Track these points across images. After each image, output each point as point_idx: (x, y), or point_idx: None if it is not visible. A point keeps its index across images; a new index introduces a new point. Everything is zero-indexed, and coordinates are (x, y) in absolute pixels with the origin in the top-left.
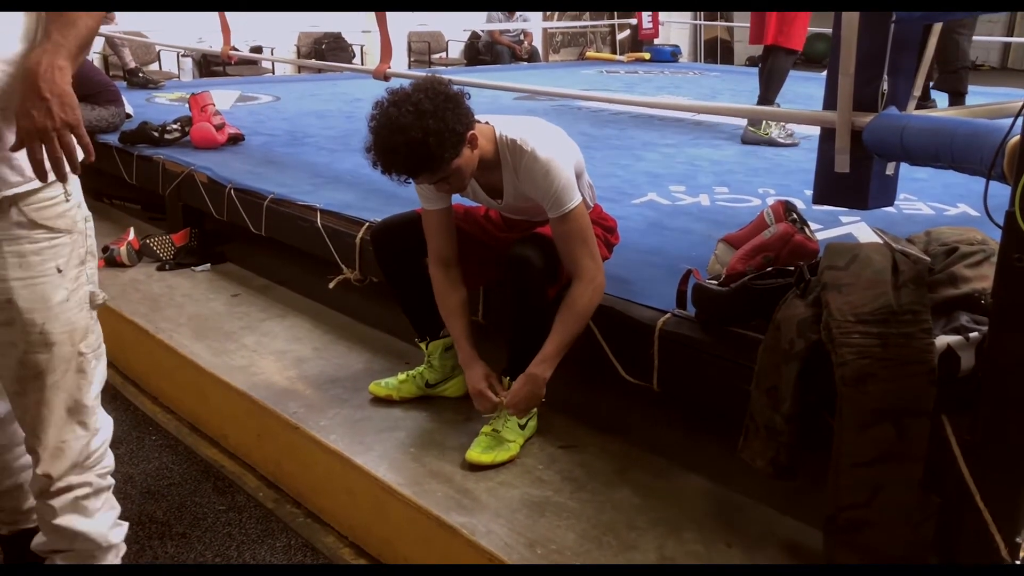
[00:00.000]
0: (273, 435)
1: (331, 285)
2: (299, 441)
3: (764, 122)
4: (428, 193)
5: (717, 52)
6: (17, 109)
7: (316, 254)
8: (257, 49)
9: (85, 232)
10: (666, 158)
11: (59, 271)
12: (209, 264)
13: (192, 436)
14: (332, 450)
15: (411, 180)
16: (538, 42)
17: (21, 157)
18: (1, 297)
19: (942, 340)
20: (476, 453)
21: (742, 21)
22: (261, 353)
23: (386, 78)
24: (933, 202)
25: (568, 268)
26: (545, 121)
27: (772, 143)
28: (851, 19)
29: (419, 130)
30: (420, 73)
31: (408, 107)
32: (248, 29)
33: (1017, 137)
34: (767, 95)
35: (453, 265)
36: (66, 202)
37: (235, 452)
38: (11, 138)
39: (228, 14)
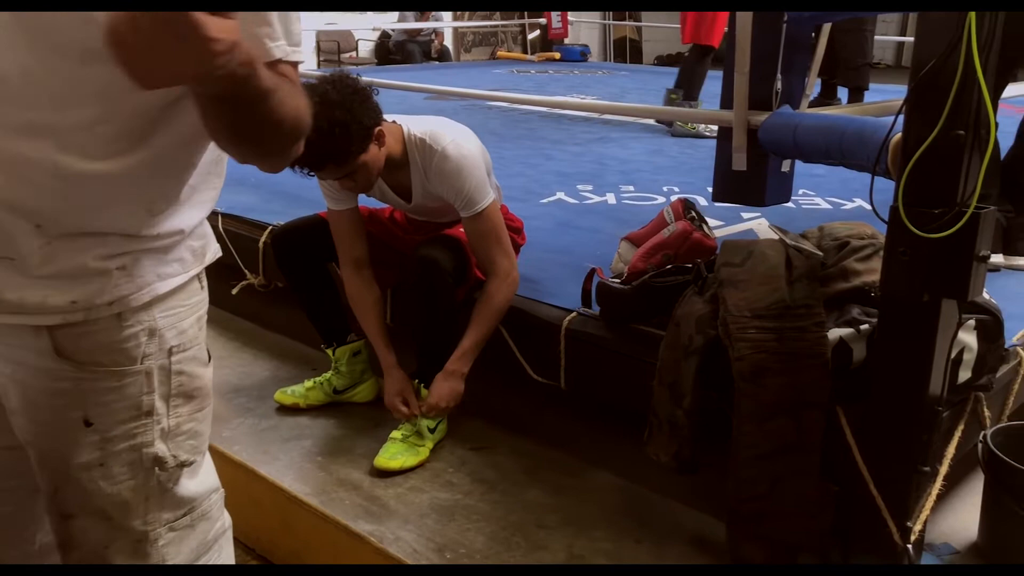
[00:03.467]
0: None
1: (234, 291)
2: None
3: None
4: (334, 193)
5: (626, 51)
6: None
7: (218, 259)
8: None
9: (156, 369)
10: (575, 157)
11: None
12: None
13: None
14: (236, 461)
15: (315, 174)
16: (449, 41)
17: None
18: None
19: (835, 333)
20: (384, 459)
21: (650, 21)
22: None
23: None
24: (831, 197)
25: (483, 266)
26: (453, 121)
27: (699, 136)
28: (745, 19)
29: (325, 120)
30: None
31: (315, 98)
32: None
33: (900, 134)
34: (688, 93)
35: (365, 266)
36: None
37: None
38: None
39: None
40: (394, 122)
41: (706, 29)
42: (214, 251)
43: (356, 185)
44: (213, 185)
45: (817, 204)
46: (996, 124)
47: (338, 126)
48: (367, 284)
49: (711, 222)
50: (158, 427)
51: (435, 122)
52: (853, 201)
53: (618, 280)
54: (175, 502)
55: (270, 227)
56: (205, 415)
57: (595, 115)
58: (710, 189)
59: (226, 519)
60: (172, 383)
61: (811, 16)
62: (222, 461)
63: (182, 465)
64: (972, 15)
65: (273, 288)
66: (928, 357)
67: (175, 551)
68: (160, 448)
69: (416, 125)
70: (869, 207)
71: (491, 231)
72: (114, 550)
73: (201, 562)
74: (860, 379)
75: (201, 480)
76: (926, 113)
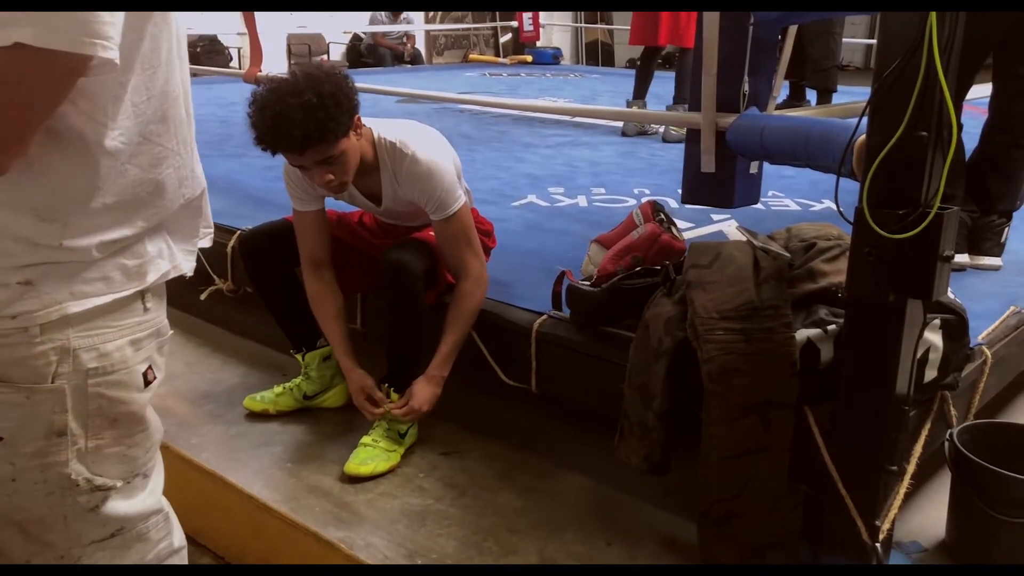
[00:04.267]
0: None
1: (203, 297)
2: (170, 460)
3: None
4: (301, 193)
5: (598, 54)
6: None
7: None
8: None
9: (70, 389)
10: (546, 160)
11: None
12: None
13: None
14: (205, 469)
15: (296, 159)
16: (421, 44)
17: None
18: None
19: (802, 334)
20: (355, 465)
21: (621, 23)
22: None
23: (257, 82)
24: (800, 198)
25: (453, 268)
26: (423, 124)
27: (644, 134)
28: (712, 21)
29: (314, 94)
30: None
31: (299, 77)
32: None
33: (863, 136)
34: (681, 96)
35: (326, 267)
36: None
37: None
38: None
39: None
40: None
41: (685, 29)
42: (162, 272)
43: (334, 177)
44: (152, 204)
45: (787, 206)
46: (960, 125)
47: (328, 98)
48: (328, 286)
49: (681, 224)
50: (74, 448)
51: (405, 126)
52: (822, 203)
53: (588, 282)
54: (100, 522)
55: (239, 231)
56: (140, 440)
57: (566, 118)
58: (680, 191)
59: (175, 540)
60: (90, 406)
61: (778, 18)
62: (190, 469)
63: (105, 488)
64: (933, 16)
65: (242, 293)
66: (894, 357)
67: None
68: (76, 469)
69: (386, 129)
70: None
71: (462, 233)
72: (39, 562)
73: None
74: (828, 379)
75: (138, 502)
76: (889, 115)
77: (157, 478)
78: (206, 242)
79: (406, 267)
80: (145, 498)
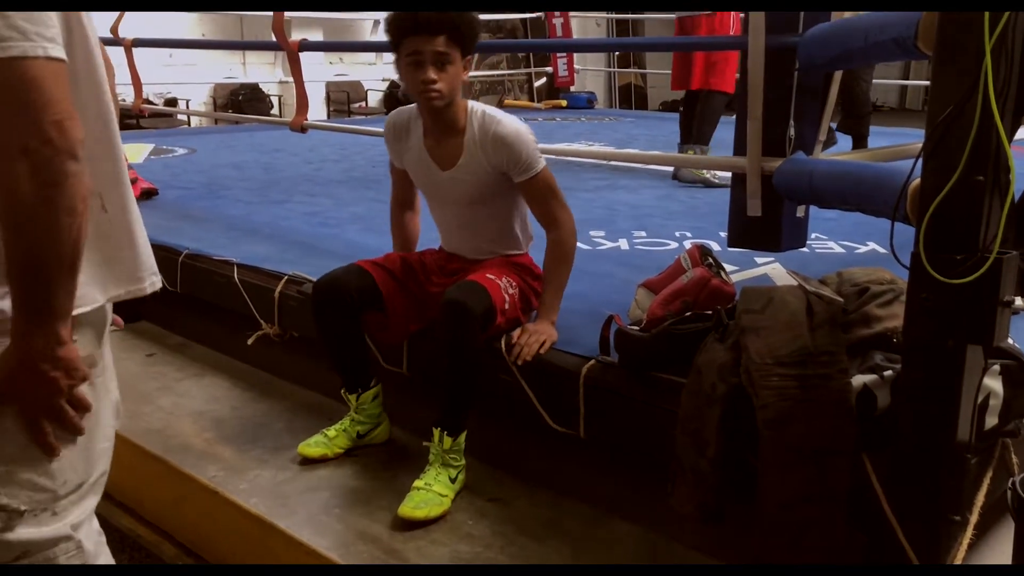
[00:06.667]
0: (192, 501)
1: (250, 341)
2: (219, 506)
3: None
4: (396, 153)
5: (632, 98)
6: None
7: (234, 309)
8: (172, 102)
9: None
10: (585, 203)
11: None
12: (123, 323)
13: (106, 504)
14: (253, 515)
15: (432, 35)
16: None
17: None
18: None
19: (858, 379)
20: (409, 508)
21: (654, 68)
22: (178, 415)
23: (303, 130)
24: (844, 241)
25: (544, 222)
26: None
27: (707, 183)
28: (757, 67)
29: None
30: (339, 124)
31: None
32: (163, 79)
33: (918, 180)
34: (700, 137)
35: (409, 207)
36: None
37: (152, 520)
38: None
39: (140, 67)
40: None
41: (719, 72)
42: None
43: (440, 82)
44: None
45: (831, 248)
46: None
47: (470, 15)
48: (406, 220)
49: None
50: None
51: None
52: (867, 244)
53: (637, 327)
54: (4, 545)
55: (286, 276)
56: (55, 471)
57: (603, 161)
58: (722, 234)
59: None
60: None
61: (823, 64)
62: (239, 514)
63: (11, 511)
64: (988, 61)
65: (288, 337)
66: (954, 403)
67: None
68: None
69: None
70: (883, 250)
71: (548, 189)
72: None
73: None
74: (885, 426)
75: (48, 529)
76: (945, 159)
77: (78, 511)
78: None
79: (465, 307)
80: (60, 526)
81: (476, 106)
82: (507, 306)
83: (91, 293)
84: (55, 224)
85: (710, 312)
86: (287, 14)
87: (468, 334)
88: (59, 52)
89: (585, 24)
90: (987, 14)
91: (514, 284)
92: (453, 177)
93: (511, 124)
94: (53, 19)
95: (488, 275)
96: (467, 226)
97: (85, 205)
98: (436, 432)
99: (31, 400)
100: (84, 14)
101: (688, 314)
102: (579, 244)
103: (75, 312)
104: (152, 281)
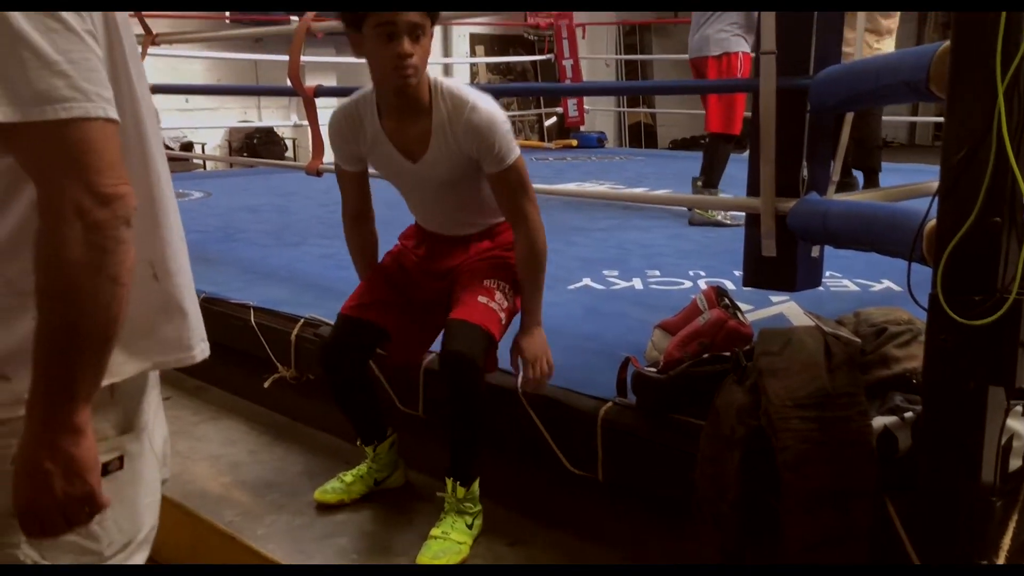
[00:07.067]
0: (209, 546)
1: (266, 384)
2: (236, 552)
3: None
4: (347, 155)
5: (641, 136)
6: None
7: (250, 352)
8: (188, 146)
9: None
10: (598, 242)
11: None
12: None
13: None
14: (271, 561)
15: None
16: None
17: None
18: None
19: (879, 421)
20: (428, 557)
21: (663, 107)
22: (194, 459)
23: (318, 173)
24: (858, 279)
25: (511, 218)
26: None
27: (718, 224)
28: (769, 109)
29: None
30: None
31: None
32: (179, 124)
33: (934, 220)
34: (709, 181)
35: (364, 220)
36: None
37: (169, 565)
38: None
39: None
40: None
41: (730, 116)
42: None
43: (415, 56)
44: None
45: (845, 286)
46: None
47: None
48: (364, 235)
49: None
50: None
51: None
52: (881, 283)
53: (654, 369)
54: None
55: (302, 319)
56: (99, 533)
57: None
58: (736, 273)
59: None
60: None
61: (835, 105)
62: (257, 560)
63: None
64: (1001, 102)
65: (305, 380)
66: (977, 445)
67: None
68: (28, 553)
69: (441, 78)
70: (898, 288)
71: (519, 184)
72: None
73: None
74: (907, 468)
75: None
76: (961, 200)
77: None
78: None
79: (464, 358)
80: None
81: (440, 81)
82: (504, 322)
83: (130, 363)
84: (99, 292)
85: (727, 354)
86: (302, 59)
87: (471, 385)
88: (116, 114)
89: (594, 65)
90: (999, 56)
91: (505, 287)
92: (423, 166)
93: (485, 111)
94: (106, 79)
95: (479, 298)
96: (445, 204)
97: (130, 277)
98: (449, 482)
99: (20, 492)
100: (134, 69)
101: (705, 356)
102: (592, 284)
103: (106, 382)
104: (202, 348)
